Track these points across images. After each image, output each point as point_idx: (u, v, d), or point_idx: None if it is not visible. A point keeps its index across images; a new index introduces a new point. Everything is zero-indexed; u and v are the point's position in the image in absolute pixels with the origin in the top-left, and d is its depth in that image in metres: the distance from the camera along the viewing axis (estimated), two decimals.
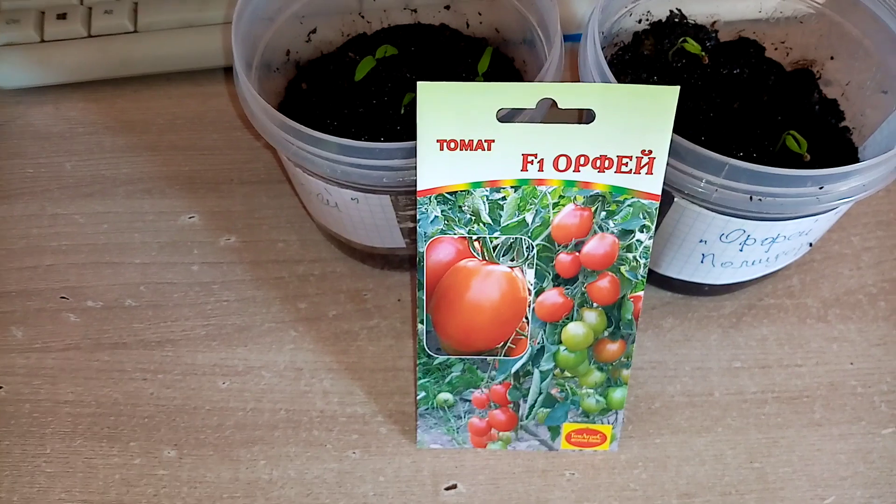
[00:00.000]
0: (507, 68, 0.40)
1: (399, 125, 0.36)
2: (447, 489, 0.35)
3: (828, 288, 0.40)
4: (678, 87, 0.27)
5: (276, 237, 0.42)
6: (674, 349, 0.38)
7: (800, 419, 0.36)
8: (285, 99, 0.39)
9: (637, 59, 0.38)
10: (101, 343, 0.39)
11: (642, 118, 0.28)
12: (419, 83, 0.27)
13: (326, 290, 0.40)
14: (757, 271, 0.36)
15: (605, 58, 0.38)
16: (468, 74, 0.39)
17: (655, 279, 0.38)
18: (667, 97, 0.27)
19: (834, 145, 0.36)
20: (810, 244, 0.35)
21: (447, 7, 0.41)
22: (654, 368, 0.38)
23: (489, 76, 0.39)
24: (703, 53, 0.37)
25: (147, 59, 0.46)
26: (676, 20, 0.39)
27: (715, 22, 0.40)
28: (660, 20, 0.39)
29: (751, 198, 0.29)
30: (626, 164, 0.29)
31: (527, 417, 0.35)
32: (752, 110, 0.36)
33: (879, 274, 0.40)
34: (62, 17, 0.46)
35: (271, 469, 0.36)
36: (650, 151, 0.28)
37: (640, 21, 0.39)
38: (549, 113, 0.30)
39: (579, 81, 0.33)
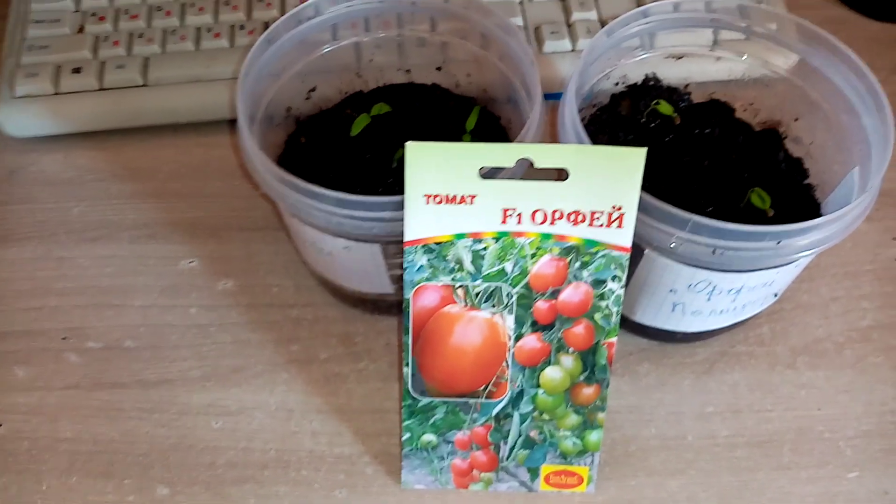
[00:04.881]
0: (493, 126, 0.42)
1: (391, 178, 0.39)
2: None
3: (797, 336, 0.42)
4: (646, 149, 0.29)
5: (272, 282, 0.44)
6: (649, 394, 0.40)
7: (769, 462, 0.38)
8: (284, 151, 0.42)
9: (614, 119, 0.41)
10: (100, 382, 0.41)
11: (613, 177, 0.30)
12: (407, 143, 0.30)
13: (318, 333, 0.42)
14: (726, 320, 0.38)
15: (584, 118, 0.41)
16: (457, 131, 0.41)
17: (631, 326, 0.40)
18: (635, 158, 0.30)
19: (798, 201, 0.39)
20: (775, 295, 0.37)
21: (439, 68, 0.44)
22: (630, 412, 0.39)
23: (476, 133, 0.41)
24: (676, 114, 0.40)
25: (155, 111, 0.48)
26: (651, 83, 0.42)
27: (688, 84, 0.43)
28: (636, 83, 0.42)
29: (713, 251, 0.31)
30: (598, 219, 0.31)
31: (507, 459, 0.36)
32: (721, 168, 0.38)
33: (846, 323, 0.42)
34: (77, 70, 0.48)
35: None
36: (620, 207, 0.30)
37: (617, 84, 0.42)
38: (529, 170, 0.32)
39: (558, 139, 0.36)
